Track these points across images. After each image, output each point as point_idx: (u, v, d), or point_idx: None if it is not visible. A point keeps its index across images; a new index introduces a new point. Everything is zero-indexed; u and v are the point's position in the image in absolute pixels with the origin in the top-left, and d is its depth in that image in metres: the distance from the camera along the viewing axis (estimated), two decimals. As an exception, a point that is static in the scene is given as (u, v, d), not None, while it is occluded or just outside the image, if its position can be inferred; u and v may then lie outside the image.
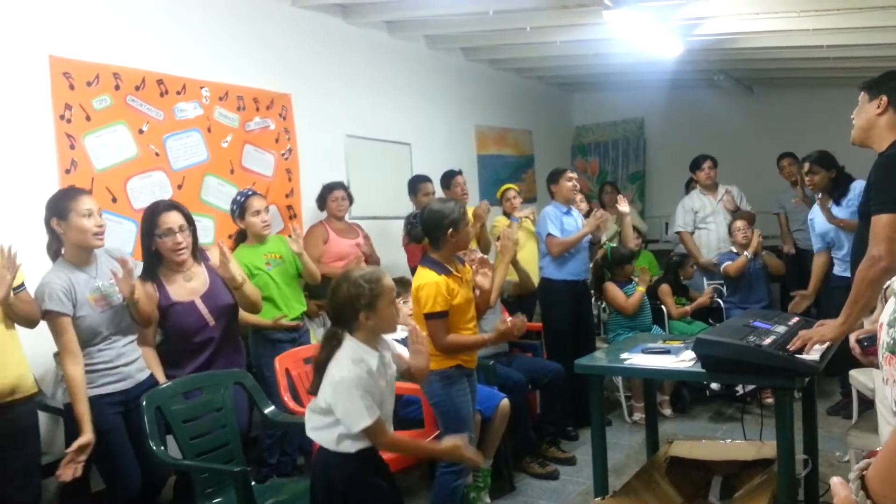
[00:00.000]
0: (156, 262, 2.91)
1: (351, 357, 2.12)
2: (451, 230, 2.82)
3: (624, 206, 4.76)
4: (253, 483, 2.47)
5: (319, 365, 2.17)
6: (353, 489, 2.15)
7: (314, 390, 2.18)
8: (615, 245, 4.95)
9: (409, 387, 3.29)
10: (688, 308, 5.04)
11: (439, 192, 4.96)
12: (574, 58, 6.09)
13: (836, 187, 4.12)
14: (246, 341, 3.51)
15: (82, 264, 2.69)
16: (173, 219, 2.89)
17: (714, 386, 4.81)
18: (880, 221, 2.28)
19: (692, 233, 5.53)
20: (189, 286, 2.96)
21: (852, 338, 1.33)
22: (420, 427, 3.17)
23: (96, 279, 2.70)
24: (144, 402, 2.50)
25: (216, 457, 2.63)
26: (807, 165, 4.28)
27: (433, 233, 2.86)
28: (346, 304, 2.16)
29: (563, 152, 8.06)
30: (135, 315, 2.76)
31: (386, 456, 2.35)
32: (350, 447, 2.12)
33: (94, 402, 2.61)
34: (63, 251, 2.69)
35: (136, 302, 2.71)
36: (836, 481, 0.87)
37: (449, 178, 5.04)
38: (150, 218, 2.90)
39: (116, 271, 2.68)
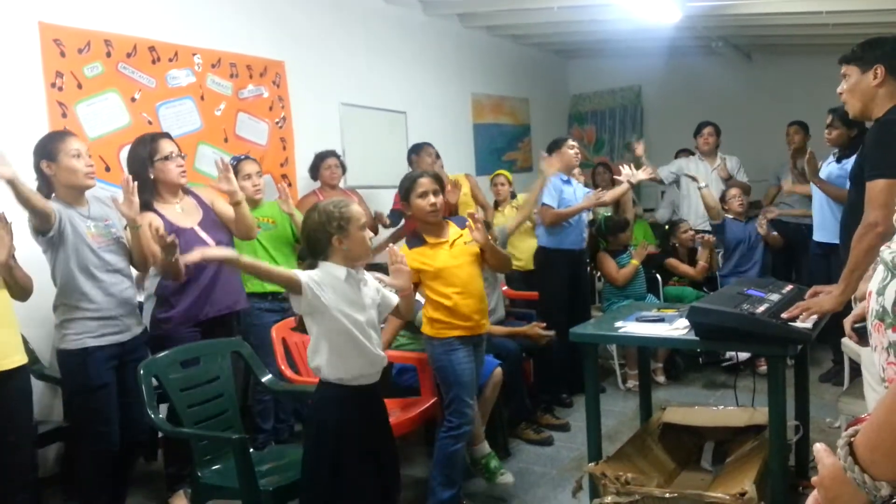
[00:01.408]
0: (150, 193, 2.96)
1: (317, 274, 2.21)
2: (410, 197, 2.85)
3: (627, 174, 4.55)
4: (251, 450, 2.49)
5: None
6: (345, 418, 2.23)
7: (298, 325, 2.33)
8: (609, 214, 4.95)
9: (404, 355, 3.33)
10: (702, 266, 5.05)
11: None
12: (571, 24, 6.02)
13: (852, 147, 4.04)
14: (239, 316, 3.52)
15: (75, 204, 2.70)
16: (171, 145, 3.02)
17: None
18: (876, 187, 2.27)
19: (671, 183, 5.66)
20: (185, 215, 3.05)
21: (847, 325, 1.33)
22: (416, 395, 3.20)
23: (89, 219, 2.71)
24: (142, 371, 2.51)
25: (214, 425, 2.65)
26: (830, 117, 4.23)
27: (406, 197, 2.88)
28: (318, 230, 2.24)
29: (560, 121, 8.01)
30: (135, 251, 2.79)
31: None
32: (338, 371, 2.23)
33: (91, 354, 2.64)
34: (54, 195, 2.69)
35: (137, 227, 2.73)
36: (819, 448, 0.88)
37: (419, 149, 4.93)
38: (148, 145, 2.98)
39: (116, 198, 2.75)
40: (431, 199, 2.80)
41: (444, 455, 2.81)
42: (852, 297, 2.16)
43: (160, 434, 2.89)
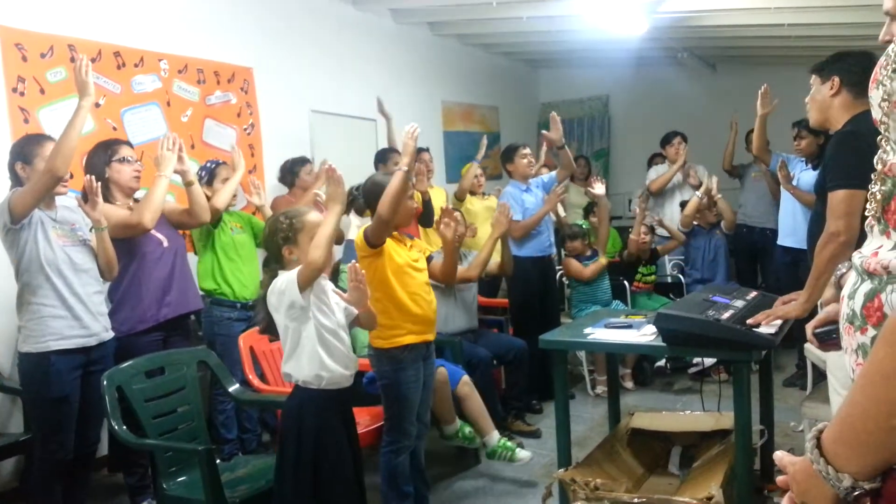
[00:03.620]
0: (105, 193, 2.95)
1: (283, 277, 2.21)
2: None
3: (599, 188, 4.63)
4: (218, 461, 2.46)
5: (262, 299, 2.30)
6: (324, 422, 2.24)
7: (265, 329, 2.35)
8: (580, 222, 5.05)
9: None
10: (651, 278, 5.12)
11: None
12: (540, 34, 6.08)
13: (822, 154, 4.13)
14: (198, 317, 3.48)
15: (44, 207, 2.66)
16: (129, 151, 3.06)
17: (661, 362, 4.93)
18: (836, 197, 2.33)
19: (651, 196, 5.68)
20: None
21: (809, 330, 1.35)
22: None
23: (56, 221, 2.68)
24: (105, 382, 2.46)
25: (179, 435, 2.61)
26: (796, 129, 4.34)
27: (375, 202, 2.74)
28: (269, 240, 2.29)
29: (529, 129, 8.07)
30: (100, 255, 2.76)
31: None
32: (321, 370, 2.23)
33: (53, 363, 2.58)
34: None
35: (102, 229, 2.71)
36: (779, 455, 0.91)
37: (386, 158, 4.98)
38: (106, 148, 3.02)
39: (81, 199, 2.74)
40: (411, 203, 2.82)
41: (387, 471, 2.77)
42: (818, 303, 2.21)
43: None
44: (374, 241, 2.64)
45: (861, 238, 0.95)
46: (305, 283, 2.17)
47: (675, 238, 5.18)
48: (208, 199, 3.51)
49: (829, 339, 1.28)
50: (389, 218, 2.61)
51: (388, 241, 2.72)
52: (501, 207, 3.74)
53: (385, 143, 5.35)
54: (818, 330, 1.33)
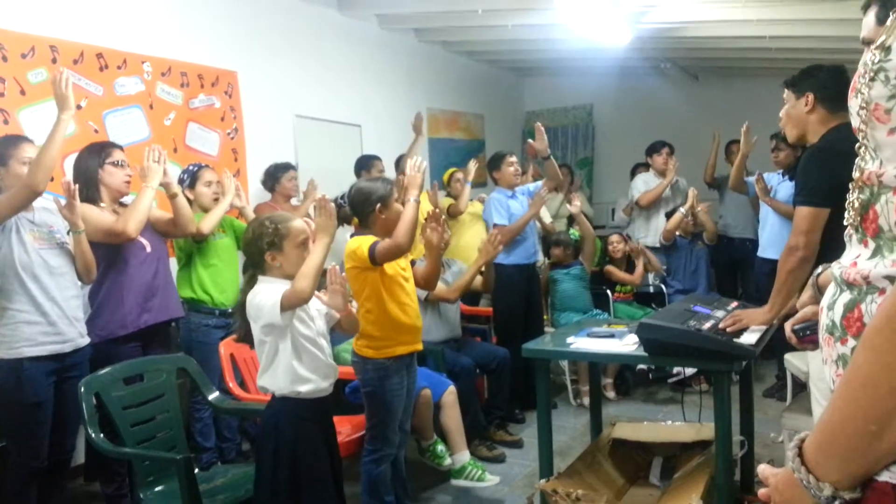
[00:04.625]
0: (94, 195, 2.95)
1: (264, 290, 2.17)
2: (379, 206, 2.73)
3: (575, 207, 4.79)
4: (196, 470, 2.43)
5: (240, 306, 2.26)
6: (302, 432, 2.22)
7: (242, 337, 2.31)
8: (571, 231, 5.11)
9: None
10: (631, 277, 5.15)
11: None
12: (526, 42, 6.11)
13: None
14: (177, 324, 3.44)
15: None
16: (122, 155, 3.05)
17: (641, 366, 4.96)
18: (800, 213, 2.38)
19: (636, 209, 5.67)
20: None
21: (788, 327, 1.38)
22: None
23: (33, 224, 2.64)
24: (82, 389, 2.42)
25: (157, 444, 2.57)
26: (773, 142, 4.39)
27: (361, 210, 2.77)
28: (252, 244, 2.23)
29: (513, 137, 8.09)
30: (78, 258, 2.72)
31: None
32: (297, 384, 2.20)
33: (26, 369, 2.54)
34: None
35: (80, 232, 2.67)
36: (762, 468, 0.91)
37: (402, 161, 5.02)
38: (100, 150, 3.00)
39: (59, 201, 2.69)
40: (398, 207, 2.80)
41: (368, 480, 2.75)
42: (796, 305, 2.25)
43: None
44: (380, 261, 2.64)
45: (833, 250, 0.96)
46: (288, 308, 2.14)
47: (652, 266, 5.24)
48: (190, 202, 3.49)
49: (806, 336, 1.33)
50: (407, 247, 2.65)
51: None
52: (491, 237, 3.76)
53: (368, 150, 5.33)
54: (796, 327, 1.35)
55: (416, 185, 2.70)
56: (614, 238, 5.35)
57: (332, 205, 2.34)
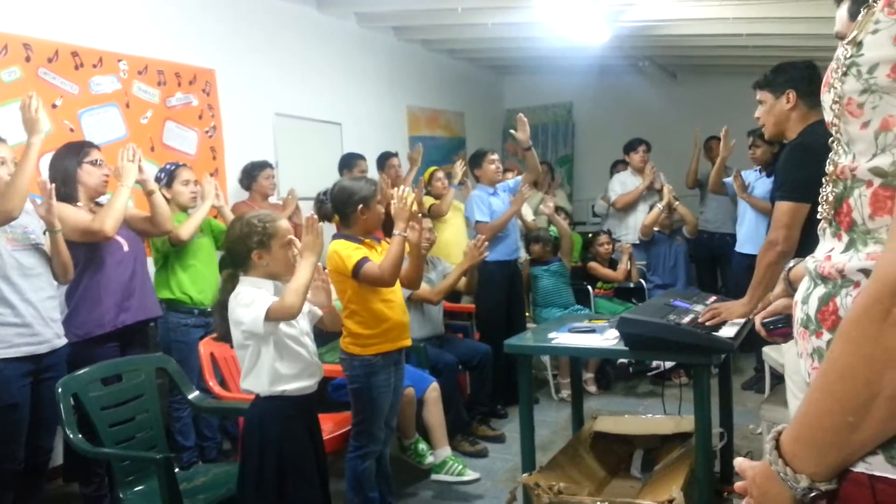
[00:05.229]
0: (71, 193, 2.93)
1: (248, 293, 2.14)
2: (361, 206, 2.71)
3: (548, 208, 4.93)
4: (176, 470, 2.41)
5: (219, 305, 2.23)
6: (287, 430, 2.20)
7: (222, 336, 2.29)
8: (548, 228, 5.15)
9: (339, 369, 3.28)
10: (614, 274, 5.20)
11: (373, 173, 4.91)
12: (505, 40, 6.12)
13: (777, 162, 4.24)
14: (155, 323, 3.41)
15: None
16: (99, 153, 3.04)
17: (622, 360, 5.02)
18: (780, 208, 2.41)
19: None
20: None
21: (757, 321, 1.39)
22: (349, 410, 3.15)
23: (7, 225, 2.59)
24: (60, 390, 2.39)
25: (137, 444, 2.55)
26: (751, 138, 4.44)
27: (343, 209, 2.76)
28: (238, 243, 2.19)
29: (494, 135, 8.10)
30: (54, 258, 2.68)
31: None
32: (281, 384, 2.19)
33: (3, 368, 2.51)
34: None
35: (56, 232, 2.64)
36: (738, 461, 0.92)
37: (384, 160, 5.02)
38: (78, 150, 2.99)
39: (35, 200, 2.67)
40: (380, 208, 2.80)
41: (353, 476, 2.75)
42: (769, 297, 2.28)
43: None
44: (361, 281, 2.65)
45: (811, 245, 0.96)
46: (273, 321, 2.11)
47: (632, 275, 5.35)
48: (168, 201, 3.46)
49: (776, 329, 1.34)
50: (391, 283, 2.69)
51: (365, 249, 2.72)
52: (476, 241, 3.77)
53: (348, 148, 5.30)
54: (766, 320, 1.36)
55: (403, 218, 2.66)
56: (603, 238, 5.40)
57: (320, 225, 2.31)
